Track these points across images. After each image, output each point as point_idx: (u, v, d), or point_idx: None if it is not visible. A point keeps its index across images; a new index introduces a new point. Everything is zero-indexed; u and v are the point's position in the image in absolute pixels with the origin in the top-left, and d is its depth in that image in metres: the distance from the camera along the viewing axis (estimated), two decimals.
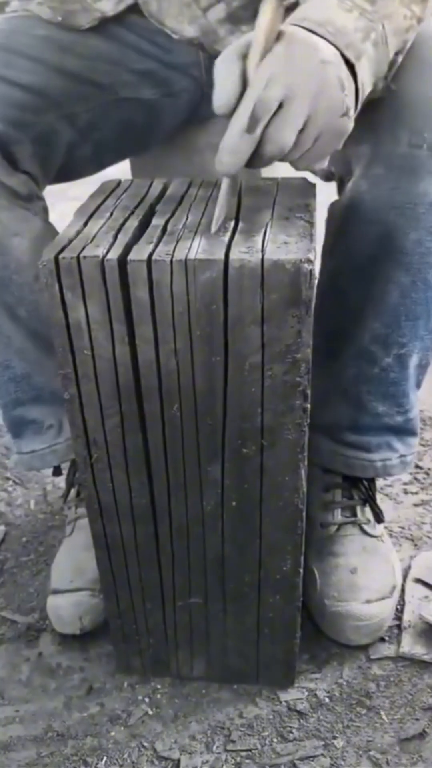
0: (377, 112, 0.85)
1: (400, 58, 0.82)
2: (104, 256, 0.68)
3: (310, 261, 0.66)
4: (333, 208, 0.96)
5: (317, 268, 0.68)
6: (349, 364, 1.01)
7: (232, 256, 0.67)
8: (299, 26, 0.73)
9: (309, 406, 0.75)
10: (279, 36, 0.71)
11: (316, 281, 0.68)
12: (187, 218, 0.76)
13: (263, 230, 0.72)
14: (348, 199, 0.91)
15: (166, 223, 0.75)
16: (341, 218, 0.94)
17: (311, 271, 0.66)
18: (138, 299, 0.70)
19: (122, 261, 0.68)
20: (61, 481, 1.30)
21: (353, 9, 0.75)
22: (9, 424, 1.13)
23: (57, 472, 1.19)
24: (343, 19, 0.74)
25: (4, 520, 1.34)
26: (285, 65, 0.69)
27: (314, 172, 0.93)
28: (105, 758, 0.94)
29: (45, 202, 1.03)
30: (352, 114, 0.74)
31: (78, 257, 0.68)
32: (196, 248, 0.69)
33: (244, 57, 0.72)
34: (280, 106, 0.70)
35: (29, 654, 1.09)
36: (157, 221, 0.76)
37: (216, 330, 0.71)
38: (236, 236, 0.71)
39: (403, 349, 0.98)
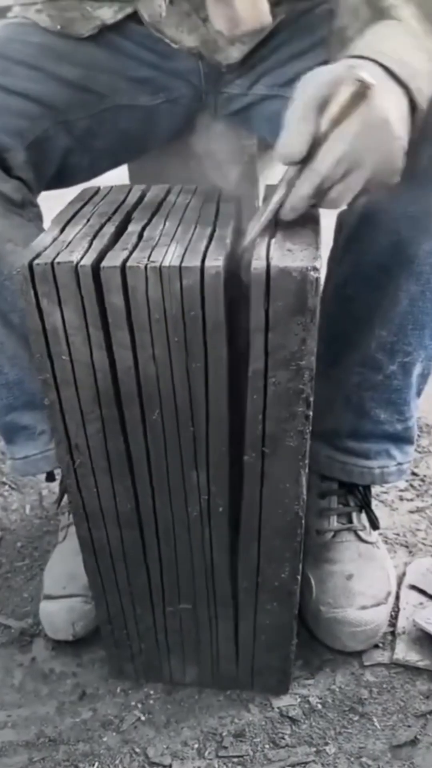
0: None
1: None
2: (78, 262, 0.68)
3: (316, 269, 0.66)
4: (344, 216, 0.96)
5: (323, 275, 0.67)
6: (353, 371, 1.01)
7: (208, 263, 0.67)
8: (374, 61, 0.72)
9: (311, 413, 0.74)
10: (358, 100, 0.69)
11: (321, 288, 0.68)
12: (164, 225, 0.76)
13: (268, 238, 0.72)
14: (362, 208, 0.91)
15: (143, 229, 0.75)
16: (353, 227, 0.94)
17: (317, 279, 0.66)
18: (113, 305, 0.70)
19: (96, 267, 0.68)
20: (56, 487, 1.30)
21: (422, 50, 0.75)
22: (1, 429, 1.13)
23: (50, 477, 1.19)
24: (418, 61, 0.74)
25: None
26: (357, 145, 0.70)
27: None
28: (97, 764, 0.94)
29: (39, 209, 1.04)
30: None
31: (52, 263, 0.68)
32: (171, 255, 0.68)
33: (320, 110, 0.70)
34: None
35: (22, 659, 1.09)
36: (134, 228, 0.75)
37: (196, 336, 0.70)
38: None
39: (408, 357, 0.98)
